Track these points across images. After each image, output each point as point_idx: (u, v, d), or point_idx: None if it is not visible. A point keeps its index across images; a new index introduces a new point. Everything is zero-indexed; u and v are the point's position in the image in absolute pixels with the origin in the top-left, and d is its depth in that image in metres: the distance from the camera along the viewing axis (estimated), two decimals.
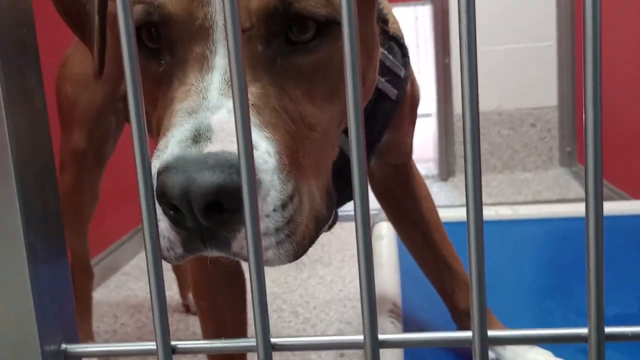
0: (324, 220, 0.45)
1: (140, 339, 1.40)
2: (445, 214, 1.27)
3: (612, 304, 0.66)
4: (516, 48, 2.51)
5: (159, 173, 0.37)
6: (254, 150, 0.36)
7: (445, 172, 2.62)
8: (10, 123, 0.29)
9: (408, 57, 0.64)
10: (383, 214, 1.14)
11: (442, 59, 2.56)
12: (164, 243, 0.40)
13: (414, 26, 4.33)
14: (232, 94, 0.26)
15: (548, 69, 2.53)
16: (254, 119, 0.40)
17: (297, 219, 0.41)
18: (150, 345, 0.32)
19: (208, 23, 0.41)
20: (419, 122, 0.73)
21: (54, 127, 0.36)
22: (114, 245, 1.79)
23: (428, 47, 2.71)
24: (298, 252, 0.42)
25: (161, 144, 0.40)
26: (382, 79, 0.60)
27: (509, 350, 0.69)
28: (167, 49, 0.44)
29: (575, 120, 2.55)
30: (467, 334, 0.30)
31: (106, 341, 1.36)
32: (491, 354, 0.69)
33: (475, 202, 0.27)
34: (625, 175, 1.90)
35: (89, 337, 1.17)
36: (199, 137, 0.38)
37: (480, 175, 0.28)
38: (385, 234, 1.13)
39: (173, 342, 0.31)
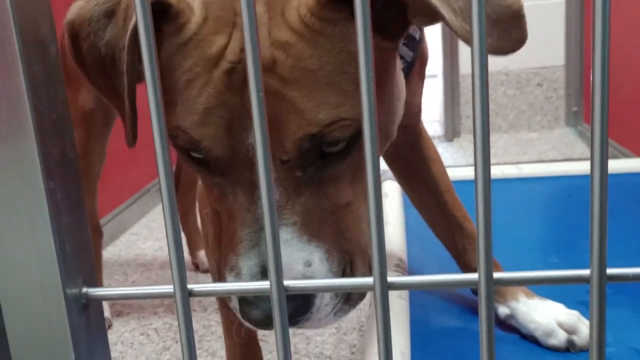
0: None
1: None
2: (451, 174, 1.28)
3: (615, 259, 0.67)
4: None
5: (240, 300, 0.47)
6: (309, 267, 0.46)
7: (451, 132, 2.61)
8: (27, 73, 0.30)
9: None
10: (389, 173, 1.15)
11: None
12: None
13: None
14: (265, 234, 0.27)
15: (556, 27, 2.50)
16: (302, 237, 0.46)
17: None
18: (168, 289, 0.33)
19: (251, 154, 0.46)
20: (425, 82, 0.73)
21: None
22: (122, 205, 1.81)
23: None
24: (355, 305, 0.49)
25: (234, 265, 0.47)
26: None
27: (523, 304, 0.71)
28: (216, 170, 0.48)
29: (582, 79, 2.52)
30: (473, 275, 0.31)
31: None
32: (506, 309, 0.71)
33: (484, 150, 0.28)
34: (629, 133, 1.89)
35: None
36: (265, 272, 0.45)
37: (489, 131, 0.28)
38: (390, 192, 1.14)
39: (190, 286, 0.33)
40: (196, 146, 0.47)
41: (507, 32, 0.42)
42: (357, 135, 0.47)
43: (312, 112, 0.45)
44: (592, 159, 0.27)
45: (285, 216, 0.46)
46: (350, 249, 0.49)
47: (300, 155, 0.46)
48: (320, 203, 0.48)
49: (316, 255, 0.47)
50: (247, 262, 0.47)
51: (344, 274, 0.48)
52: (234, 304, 0.49)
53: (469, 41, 0.41)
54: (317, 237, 0.47)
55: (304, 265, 0.46)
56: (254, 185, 0.47)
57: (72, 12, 0.50)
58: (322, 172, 0.48)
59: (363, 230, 0.51)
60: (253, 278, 0.46)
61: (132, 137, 0.51)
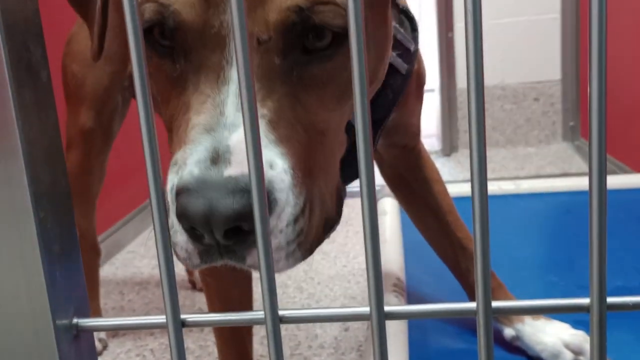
0: (334, 222, 0.46)
1: (147, 314, 1.42)
2: (449, 189, 1.28)
3: (613, 277, 0.66)
4: (519, 21, 2.48)
5: (179, 192, 0.38)
6: (271, 169, 0.38)
7: (448, 147, 2.62)
8: (17, 99, 0.29)
9: (418, 32, 0.63)
10: (387, 190, 1.14)
11: (446, 32, 2.53)
12: (181, 252, 0.41)
13: None
14: (243, 116, 0.26)
15: (552, 42, 2.51)
16: (269, 135, 0.40)
17: (308, 229, 0.42)
18: (160, 319, 0.32)
19: (224, 32, 0.40)
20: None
21: (59, 106, 0.36)
22: (119, 223, 1.80)
23: (431, 21, 2.69)
24: (306, 255, 0.43)
25: (179, 157, 0.40)
26: (394, 53, 0.59)
27: (529, 326, 0.70)
28: (181, 52, 0.43)
29: (579, 94, 2.53)
30: (472, 304, 0.30)
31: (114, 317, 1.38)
32: (511, 331, 0.71)
33: (480, 170, 0.27)
34: (627, 148, 1.89)
35: (97, 314, 1.18)
36: (217, 158, 0.38)
37: (485, 149, 0.28)
38: (388, 209, 1.13)
39: (182, 316, 0.32)
40: (164, 16, 0.41)
41: None
42: (345, 36, 0.41)
43: None
44: (590, 177, 0.26)
45: None
46: (312, 187, 0.42)
47: (283, 34, 0.41)
48: (295, 110, 0.42)
49: (279, 161, 0.40)
50: (194, 148, 0.39)
51: (301, 214, 0.41)
52: (171, 218, 0.39)
53: None
54: (284, 144, 0.40)
55: (266, 164, 0.38)
56: (219, 71, 0.40)
57: None
58: (303, 70, 0.42)
59: (330, 169, 0.45)
60: (199, 165, 0.38)
61: (98, 49, 0.45)
